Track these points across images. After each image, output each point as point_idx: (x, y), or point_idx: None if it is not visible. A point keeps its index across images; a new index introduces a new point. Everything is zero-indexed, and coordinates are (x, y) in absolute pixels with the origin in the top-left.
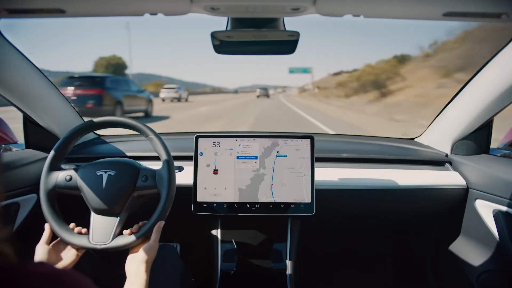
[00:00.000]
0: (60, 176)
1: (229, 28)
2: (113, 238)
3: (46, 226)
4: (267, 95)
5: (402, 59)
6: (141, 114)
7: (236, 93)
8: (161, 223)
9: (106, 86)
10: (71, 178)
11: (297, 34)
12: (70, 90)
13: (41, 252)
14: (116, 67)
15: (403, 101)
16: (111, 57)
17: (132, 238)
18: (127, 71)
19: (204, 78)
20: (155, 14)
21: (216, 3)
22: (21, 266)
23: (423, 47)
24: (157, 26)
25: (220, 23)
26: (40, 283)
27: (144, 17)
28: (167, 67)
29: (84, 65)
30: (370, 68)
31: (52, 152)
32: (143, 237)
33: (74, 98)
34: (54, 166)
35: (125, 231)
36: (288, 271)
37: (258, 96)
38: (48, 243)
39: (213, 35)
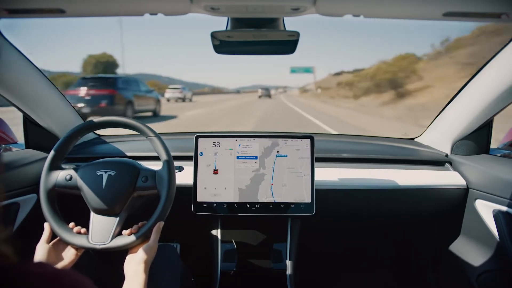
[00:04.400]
0: (60, 175)
1: (229, 28)
2: (112, 238)
3: (46, 225)
4: (269, 95)
5: (412, 58)
6: (150, 113)
7: (238, 93)
8: (161, 224)
9: (118, 86)
10: (71, 178)
11: (297, 34)
12: (83, 90)
13: (41, 251)
14: (106, 65)
15: (428, 102)
16: (101, 55)
17: (131, 238)
18: (119, 70)
19: (204, 78)
20: (155, 14)
21: (216, 3)
22: (20, 266)
23: (434, 45)
24: (158, 25)
25: (220, 23)
26: (39, 283)
27: (145, 17)
28: (168, 67)
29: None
30: (384, 65)
31: (52, 152)
32: (143, 238)
33: (88, 98)
34: (54, 166)
35: (124, 231)
36: (288, 271)
37: (260, 97)
38: (48, 242)
39: (213, 35)
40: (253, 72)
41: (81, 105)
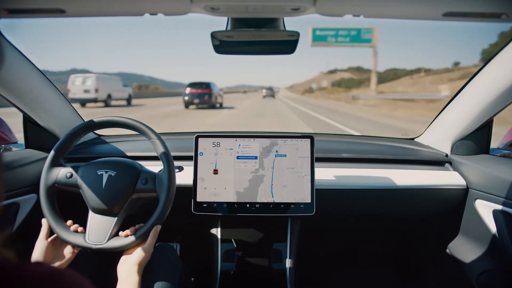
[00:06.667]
0: (61, 172)
1: (229, 28)
2: (108, 239)
3: (44, 221)
4: (273, 96)
5: None
6: (218, 105)
7: (244, 93)
8: (158, 227)
9: (211, 88)
10: (71, 175)
11: (297, 34)
12: (194, 89)
13: (39, 247)
14: None
15: None
16: None
17: (128, 240)
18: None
19: (187, 78)
20: (155, 14)
21: (216, 3)
22: (19, 266)
23: None
24: (145, 24)
25: (220, 23)
26: (38, 283)
27: (136, 18)
28: (149, 66)
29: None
30: None
31: (52, 152)
32: (139, 241)
33: (197, 94)
34: (56, 163)
35: (121, 233)
36: (288, 271)
37: (264, 97)
38: (47, 238)
39: (213, 35)
40: (237, 72)
41: (193, 97)
